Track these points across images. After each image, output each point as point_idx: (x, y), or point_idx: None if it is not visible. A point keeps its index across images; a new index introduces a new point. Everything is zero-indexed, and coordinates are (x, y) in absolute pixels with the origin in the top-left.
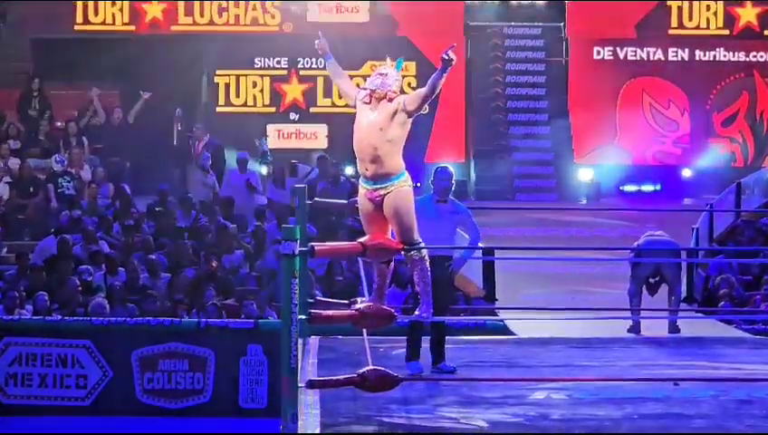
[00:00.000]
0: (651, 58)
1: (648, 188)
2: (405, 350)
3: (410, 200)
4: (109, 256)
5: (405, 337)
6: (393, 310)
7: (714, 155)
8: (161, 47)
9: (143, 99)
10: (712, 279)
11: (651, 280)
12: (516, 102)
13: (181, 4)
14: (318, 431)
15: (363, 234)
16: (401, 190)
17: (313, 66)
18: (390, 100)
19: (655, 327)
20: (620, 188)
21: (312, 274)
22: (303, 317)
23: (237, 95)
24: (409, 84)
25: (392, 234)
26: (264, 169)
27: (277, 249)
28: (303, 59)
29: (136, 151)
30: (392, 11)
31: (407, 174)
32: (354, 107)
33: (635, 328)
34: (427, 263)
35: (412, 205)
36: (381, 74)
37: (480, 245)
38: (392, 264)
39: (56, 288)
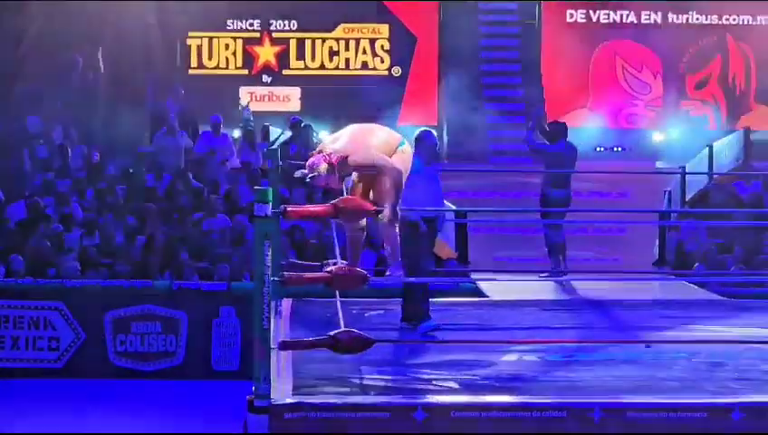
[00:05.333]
0: (624, 21)
1: (619, 150)
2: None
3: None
4: (84, 218)
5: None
6: (366, 272)
7: (686, 118)
8: (134, 9)
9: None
10: (684, 242)
11: None
12: (489, 65)
13: None
14: (290, 393)
15: (335, 196)
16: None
17: (286, 29)
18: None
19: (628, 289)
20: (597, 149)
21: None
22: (276, 279)
23: (210, 57)
24: (382, 47)
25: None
26: (238, 133)
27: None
28: (276, 21)
29: (109, 114)
30: None
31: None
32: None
33: None
34: (397, 227)
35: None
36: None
37: (452, 207)
38: (365, 232)
39: (26, 250)
